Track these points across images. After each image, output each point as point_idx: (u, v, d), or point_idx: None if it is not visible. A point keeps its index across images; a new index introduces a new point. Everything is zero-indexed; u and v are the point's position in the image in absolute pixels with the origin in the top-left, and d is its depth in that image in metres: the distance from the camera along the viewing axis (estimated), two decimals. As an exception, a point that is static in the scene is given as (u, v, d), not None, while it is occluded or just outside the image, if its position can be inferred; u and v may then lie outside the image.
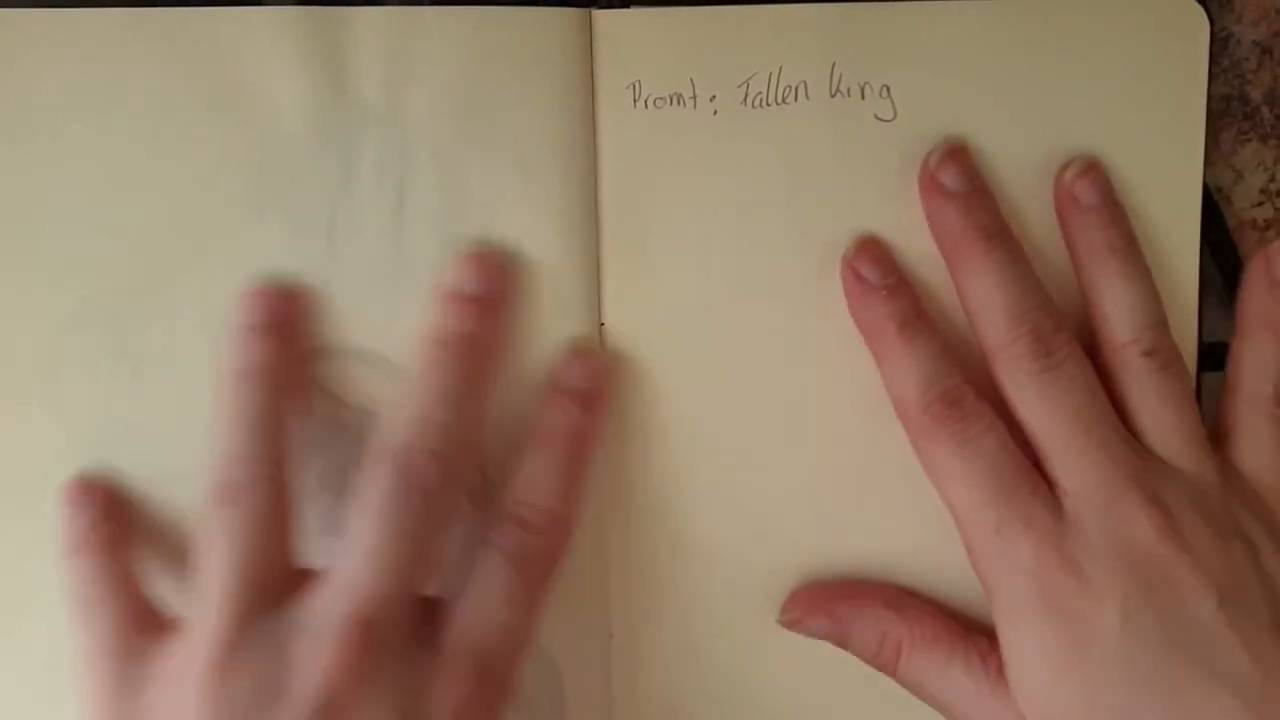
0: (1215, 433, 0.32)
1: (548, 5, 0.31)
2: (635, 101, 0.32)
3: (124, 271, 0.32)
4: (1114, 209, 0.32)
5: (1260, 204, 0.36)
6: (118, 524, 0.31)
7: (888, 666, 0.32)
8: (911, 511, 0.33)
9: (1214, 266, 0.36)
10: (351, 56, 0.31)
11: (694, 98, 0.32)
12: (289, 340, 0.31)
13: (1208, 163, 0.33)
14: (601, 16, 0.32)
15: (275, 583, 0.28)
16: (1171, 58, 0.33)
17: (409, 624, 0.28)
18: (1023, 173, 0.33)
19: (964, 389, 0.31)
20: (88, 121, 0.31)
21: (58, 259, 0.32)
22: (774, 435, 0.33)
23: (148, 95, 0.31)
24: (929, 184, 0.32)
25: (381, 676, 0.27)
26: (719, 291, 0.33)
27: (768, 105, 0.32)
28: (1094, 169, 0.32)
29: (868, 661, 0.32)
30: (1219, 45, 0.34)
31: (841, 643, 0.33)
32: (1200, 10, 0.32)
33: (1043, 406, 0.30)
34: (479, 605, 0.29)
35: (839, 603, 0.33)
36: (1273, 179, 0.36)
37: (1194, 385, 0.32)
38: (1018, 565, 0.29)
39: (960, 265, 0.32)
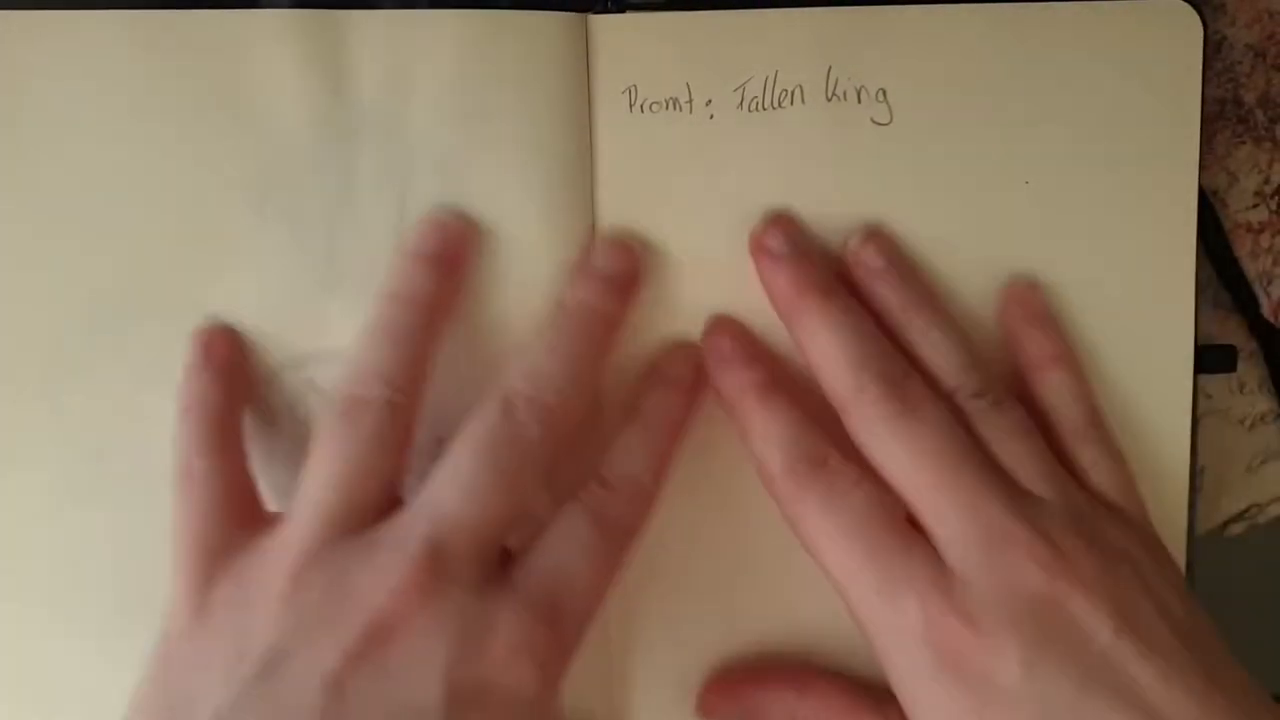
0: None
1: (545, 9, 0.31)
2: (631, 106, 0.32)
3: (125, 274, 0.32)
4: (906, 267, 0.32)
5: (1255, 206, 0.36)
6: (233, 394, 0.32)
7: None
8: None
9: (1209, 269, 0.36)
10: (350, 60, 0.31)
11: (690, 102, 0.32)
12: (448, 274, 0.31)
13: (1202, 166, 0.33)
14: (598, 21, 0.32)
15: (373, 505, 0.29)
16: (1165, 61, 0.33)
17: (485, 558, 0.28)
18: (1017, 177, 0.33)
19: (827, 449, 0.30)
20: (89, 124, 0.31)
21: (59, 261, 0.32)
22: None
23: (148, 98, 0.31)
24: (757, 251, 0.32)
25: (444, 603, 0.27)
26: (715, 296, 0.33)
27: (764, 109, 0.32)
28: (876, 235, 0.32)
29: None
30: (1213, 49, 0.34)
31: None
32: (1194, 14, 0.32)
33: (902, 452, 0.29)
34: (554, 552, 0.29)
35: (745, 689, 0.33)
36: (1267, 181, 0.36)
37: (1029, 418, 0.31)
38: (905, 627, 0.28)
39: (798, 323, 0.31)
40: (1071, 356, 0.33)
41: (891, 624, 0.28)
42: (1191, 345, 0.34)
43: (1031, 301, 0.33)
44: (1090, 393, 0.33)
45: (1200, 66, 0.33)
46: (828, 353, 0.31)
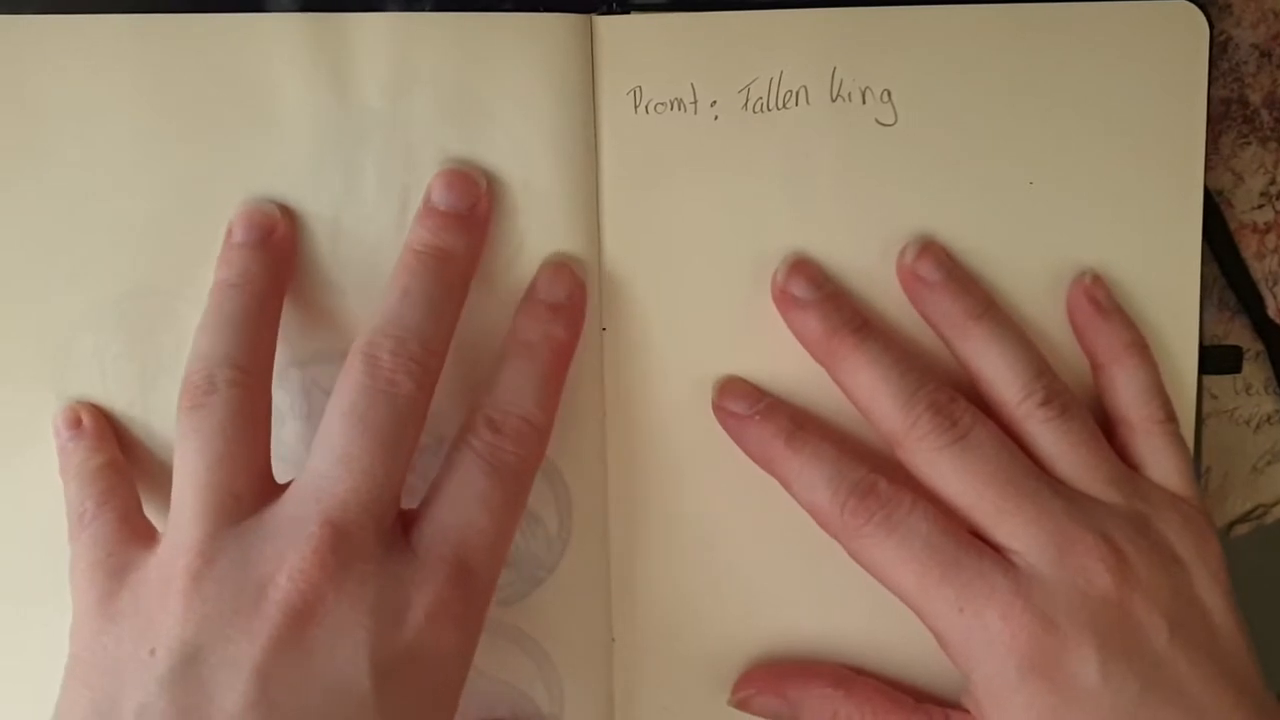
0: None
1: (549, 11, 0.31)
2: (636, 107, 0.32)
3: (132, 273, 0.32)
4: (961, 278, 0.32)
5: (1260, 206, 0.36)
6: (110, 452, 0.32)
7: None
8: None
9: (1215, 270, 0.36)
10: (355, 62, 0.31)
11: (695, 103, 0.32)
12: (271, 256, 0.31)
13: (1207, 166, 0.33)
14: (602, 22, 0.32)
15: (248, 490, 0.28)
16: (1171, 61, 0.33)
17: (382, 526, 0.28)
18: (1022, 178, 0.33)
19: (873, 477, 0.30)
20: (95, 125, 0.31)
21: (67, 260, 0.32)
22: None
23: (154, 99, 0.31)
24: (781, 298, 0.32)
25: (354, 579, 0.27)
26: (721, 296, 0.33)
27: (769, 110, 0.32)
28: (930, 247, 0.32)
29: None
30: (1218, 49, 0.34)
31: None
32: (1199, 14, 0.32)
33: (964, 478, 0.30)
34: (454, 508, 0.29)
35: (788, 683, 0.33)
36: (1273, 181, 0.36)
37: (1092, 419, 0.32)
38: (991, 638, 0.29)
39: (837, 366, 0.32)
40: (1144, 344, 0.33)
41: (976, 637, 0.29)
42: (1196, 346, 0.34)
43: (1100, 293, 0.33)
44: (1161, 382, 0.33)
45: (1206, 67, 0.33)
46: (873, 391, 0.31)
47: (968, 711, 0.30)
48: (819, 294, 0.32)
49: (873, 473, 0.31)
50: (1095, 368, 0.33)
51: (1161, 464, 0.32)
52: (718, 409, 0.33)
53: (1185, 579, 0.30)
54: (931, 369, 0.31)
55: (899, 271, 0.33)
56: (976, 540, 0.30)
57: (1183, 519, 0.31)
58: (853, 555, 0.31)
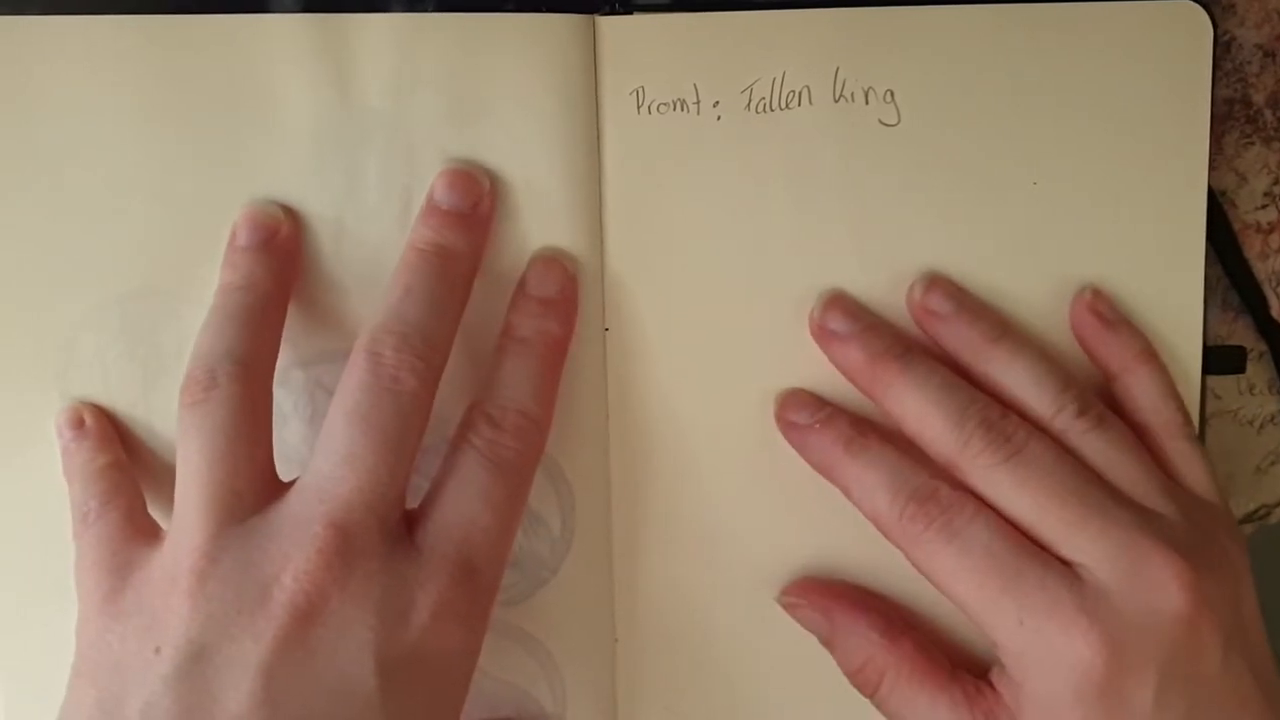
0: None
1: (551, 11, 0.31)
2: (639, 108, 0.32)
3: (134, 274, 0.32)
4: (973, 306, 0.32)
5: (1264, 207, 0.36)
6: (113, 452, 0.32)
7: (865, 687, 0.32)
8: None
9: (1218, 270, 0.36)
10: (357, 62, 0.31)
11: (697, 104, 0.32)
12: (276, 258, 0.31)
13: (1211, 166, 0.33)
14: (605, 23, 0.32)
15: (250, 487, 0.28)
16: (1174, 61, 0.33)
17: (387, 525, 0.28)
18: (1025, 179, 0.33)
19: (934, 484, 0.30)
20: (98, 126, 0.31)
21: (69, 261, 0.32)
22: (777, 440, 0.33)
23: (156, 100, 0.31)
24: (822, 335, 0.32)
25: (358, 579, 0.27)
26: (723, 297, 0.33)
27: (771, 111, 0.32)
28: (937, 280, 0.32)
29: (846, 674, 0.32)
30: (1221, 49, 0.34)
31: (827, 645, 0.33)
32: (1203, 14, 0.32)
33: (1025, 492, 0.29)
34: (456, 505, 0.29)
35: (836, 606, 0.33)
36: (1276, 182, 0.36)
37: (1127, 425, 0.32)
38: (1052, 656, 0.28)
39: (883, 392, 0.31)
40: (1154, 352, 0.33)
41: (1036, 651, 0.29)
42: (1200, 346, 0.34)
43: (1103, 306, 0.33)
44: (1174, 387, 0.33)
45: (1209, 67, 0.33)
46: (922, 414, 0.31)
47: (995, 689, 0.30)
48: (857, 326, 0.32)
49: (934, 479, 0.30)
50: (1109, 379, 0.33)
51: (1192, 470, 0.32)
52: (780, 420, 0.33)
53: (1234, 586, 0.29)
54: (980, 391, 0.31)
55: (910, 309, 0.33)
56: (1042, 551, 0.29)
57: (1228, 530, 0.31)
58: (913, 563, 0.30)
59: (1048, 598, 0.28)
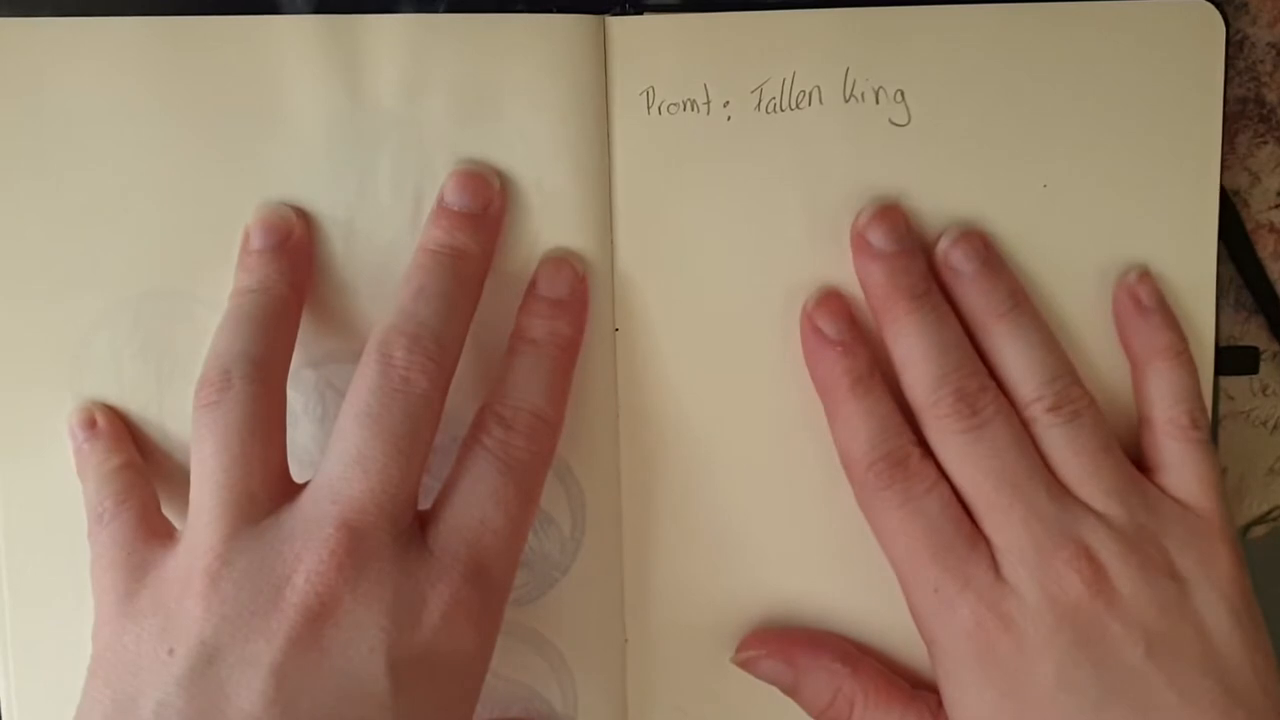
0: (1143, 466, 0.32)
1: (562, 12, 0.32)
2: (649, 108, 0.32)
3: (148, 273, 0.32)
4: (993, 272, 0.32)
5: (1277, 206, 0.36)
6: (127, 452, 0.32)
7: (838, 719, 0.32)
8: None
9: (1231, 270, 0.36)
10: (368, 63, 0.32)
11: (708, 104, 0.32)
12: (289, 260, 0.31)
13: (1224, 166, 0.33)
14: (616, 23, 0.32)
15: (265, 489, 0.29)
16: (1187, 60, 0.32)
17: (398, 527, 0.28)
18: (1036, 178, 0.33)
19: (909, 449, 0.31)
20: (111, 126, 0.32)
21: (83, 261, 0.32)
22: (788, 439, 0.33)
23: (169, 101, 0.32)
24: (857, 242, 0.32)
25: (370, 580, 0.27)
26: (733, 298, 0.33)
27: (781, 111, 0.32)
28: (968, 236, 0.32)
29: (815, 714, 0.32)
30: (1234, 48, 0.34)
31: (792, 690, 0.33)
32: (1216, 13, 0.32)
33: (969, 465, 0.31)
34: (468, 506, 0.29)
35: (796, 650, 0.33)
36: (1290, 181, 0.36)
37: (1108, 427, 0.32)
38: (955, 625, 0.30)
39: (887, 324, 0.32)
40: (1183, 349, 0.33)
41: (943, 620, 0.30)
42: (1213, 347, 0.34)
43: (1143, 291, 0.33)
44: (1196, 388, 0.32)
45: (1222, 66, 0.32)
46: (911, 359, 0.31)
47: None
48: (892, 249, 0.32)
49: (912, 444, 0.31)
50: (1132, 366, 0.33)
51: (1180, 471, 0.32)
52: (806, 317, 0.33)
53: (1179, 595, 0.30)
54: (974, 358, 0.31)
55: (935, 258, 0.32)
56: (976, 534, 0.30)
57: (1188, 533, 0.31)
58: (861, 507, 0.32)
59: (964, 574, 0.30)
